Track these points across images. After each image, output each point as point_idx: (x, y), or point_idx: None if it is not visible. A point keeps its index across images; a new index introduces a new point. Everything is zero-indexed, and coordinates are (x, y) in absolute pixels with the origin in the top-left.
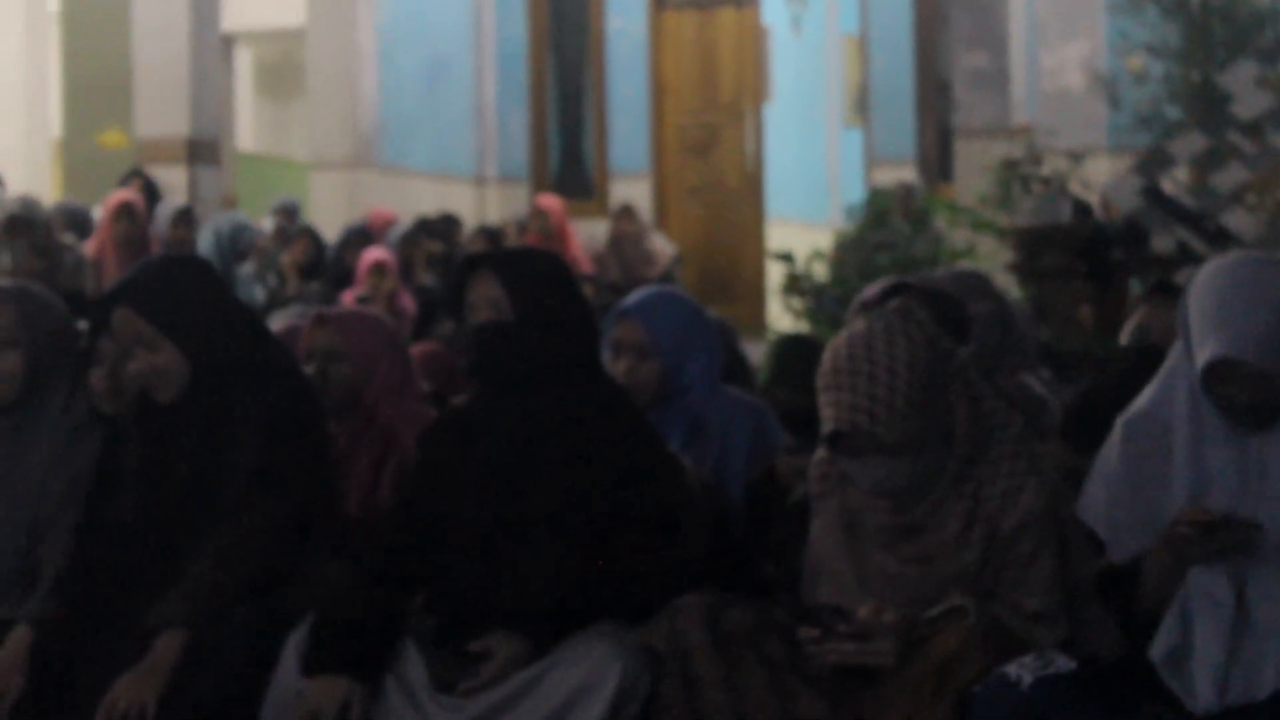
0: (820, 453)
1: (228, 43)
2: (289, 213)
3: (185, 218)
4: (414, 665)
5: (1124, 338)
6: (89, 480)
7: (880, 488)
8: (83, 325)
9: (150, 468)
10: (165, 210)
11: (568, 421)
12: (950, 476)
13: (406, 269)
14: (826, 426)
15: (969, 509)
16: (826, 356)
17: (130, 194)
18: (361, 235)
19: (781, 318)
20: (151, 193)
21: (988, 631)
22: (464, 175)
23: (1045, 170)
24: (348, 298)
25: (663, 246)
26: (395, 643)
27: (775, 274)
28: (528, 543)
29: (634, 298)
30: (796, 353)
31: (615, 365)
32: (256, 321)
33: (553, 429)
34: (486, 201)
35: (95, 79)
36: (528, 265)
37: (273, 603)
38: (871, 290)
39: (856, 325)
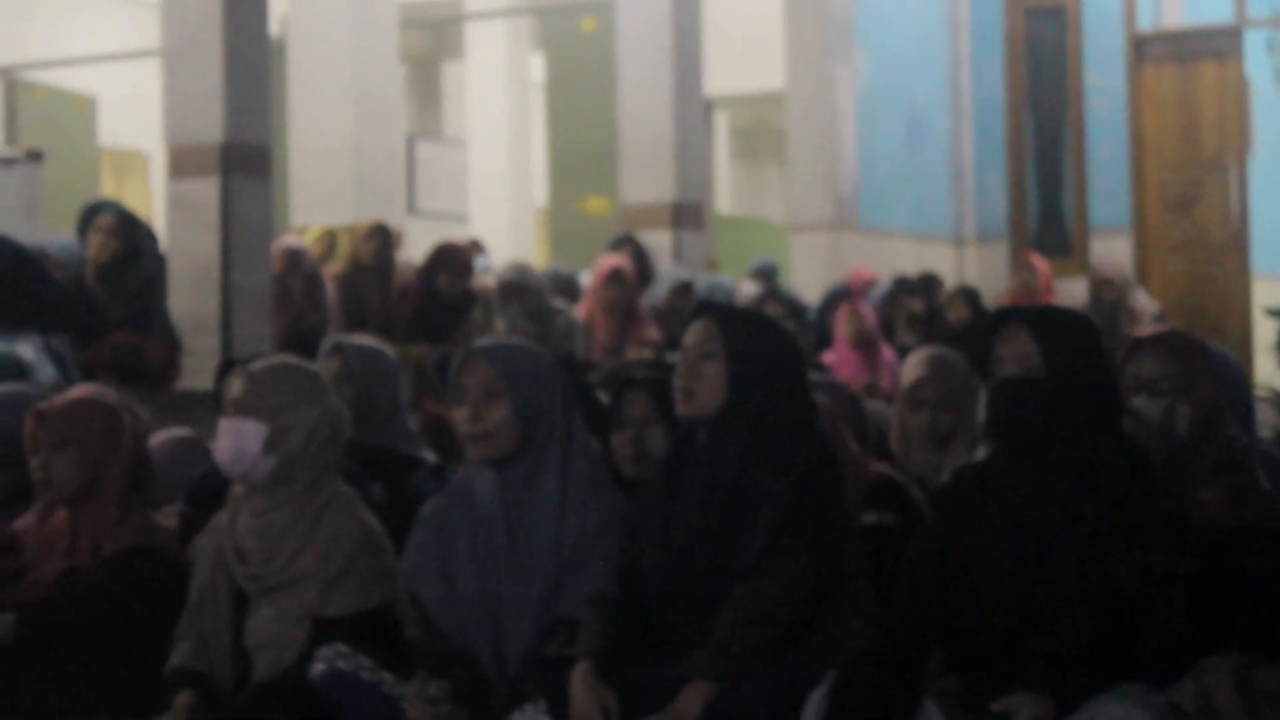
0: None
1: (707, 108)
2: (767, 274)
3: (686, 290)
4: None
5: None
6: (615, 534)
7: None
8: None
9: (677, 516)
10: (665, 281)
11: (1091, 479)
12: None
13: (888, 328)
14: None
15: None
16: None
17: (620, 259)
18: (843, 296)
19: (1273, 375)
20: (641, 259)
21: None
22: (942, 235)
23: None
24: (829, 358)
25: (1145, 304)
26: (916, 702)
27: (1264, 331)
28: (1052, 601)
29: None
30: None
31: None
32: (803, 376)
33: (1076, 487)
34: (965, 261)
35: (579, 147)
36: (1060, 322)
37: (794, 660)
38: None
39: None
